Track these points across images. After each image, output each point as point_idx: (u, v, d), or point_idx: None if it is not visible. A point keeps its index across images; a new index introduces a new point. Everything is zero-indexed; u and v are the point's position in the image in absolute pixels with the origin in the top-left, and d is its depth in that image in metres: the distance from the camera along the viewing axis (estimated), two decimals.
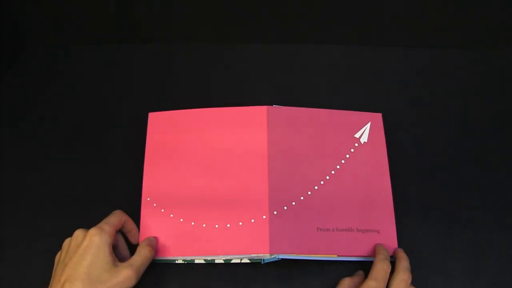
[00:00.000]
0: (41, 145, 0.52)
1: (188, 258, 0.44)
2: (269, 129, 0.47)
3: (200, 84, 0.57)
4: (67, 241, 0.40)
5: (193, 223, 0.44)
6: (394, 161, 0.47)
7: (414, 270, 0.41)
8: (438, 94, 0.56)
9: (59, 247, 0.41)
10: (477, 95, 0.56)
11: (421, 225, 0.46)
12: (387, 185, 0.46)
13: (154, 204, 0.45)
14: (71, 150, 0.52)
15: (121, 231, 0.43)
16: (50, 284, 0.38)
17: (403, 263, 0.41)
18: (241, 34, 0.60)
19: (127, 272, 0.38)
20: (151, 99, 0.55)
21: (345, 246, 0.43)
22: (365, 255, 0.43)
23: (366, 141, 0.48)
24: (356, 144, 0.47)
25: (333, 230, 0.44)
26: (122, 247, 0.43)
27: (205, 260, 0.44)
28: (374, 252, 0.43)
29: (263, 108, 0.48)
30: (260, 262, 0.43)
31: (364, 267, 0.43)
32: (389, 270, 0.40)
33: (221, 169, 0.46)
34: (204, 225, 0.44)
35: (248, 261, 0.43)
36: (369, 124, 0.48)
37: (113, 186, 0.49)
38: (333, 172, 0.46)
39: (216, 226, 0.44)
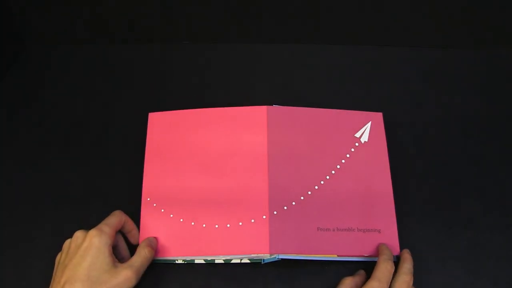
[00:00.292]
0: (41, 145, 0.52)
1: (188, 258, 0.44)
2: (269, 129, 0.47)
3: (200, 84, 0.57)
4: (67, 242, 0.40)
5: (193, 223, 0.44)
6: (394, 161, 0.47)
7: (414, 270, 0.41)
8: (438, 94, 0.56)
9: (59, 247, 0.41)
10: (477, 95, 0.56)
11: (421, 225, 0.46)
12: (388, 184, 0.46)
13: (154, 204, 0.45)
14: (71, 150, 0.52)
15: (121, 232, 0.43)
16: (50, 285, 0.38)
17: (407, 265, 0.41)
18: (241, 34, 0.60)
19: (127, 273, 0.38)
20: (151, 99, 0.55)
21: (345, 246, 0.43)
22: (366, 254, 0.43)
23: (366, 140, 0.48)
24: (357, 144, 0.47)
25: (334, 230, 0.44)
26: (122, 248, 0.43)
27: (205, 260, 0.44)
28: (375, 252, 0.43)
29: (263, 108, 0.48)
30: (260, 262, 0.43)
31: (364, 267, 0.43)
32: (392, 271, 0.40)
33: (221, 169, 0.46)
34: (204, 225, 0.44)
35: (248, 261, 0.43)
36: (369, 124, 0.48)
37: (113, 186, 0.49)
38: (333, 171, 0.46)
39: (216, 226, 0.44)
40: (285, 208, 0.44)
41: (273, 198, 0.44)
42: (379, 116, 0.49)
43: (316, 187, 0.45)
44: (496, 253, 0.45)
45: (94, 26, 0.60)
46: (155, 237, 0.43)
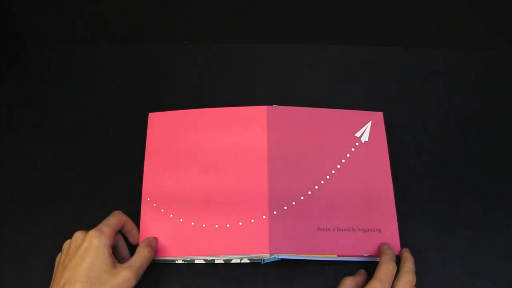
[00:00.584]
0: (41, 145, 0.52)
1: (188, 258, 0.44)
2: (269, 129, 0.47)
3: (200, 84, 0.57)
4: (67, 243, 0.40)
5: (193, 223, 0.44)
6: (394, 161, 0.47)
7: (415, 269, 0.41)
8: (438, 94, 0.56)
9: (59, 247, 0.41)
10: (477, 95, 0.56)
11: (421, 225, 0.46)
12: (389, 184, 0.46)
13: (154, 204, 0.45)
14: (71, 150, 0.52)
15: (121, 232, 0.43)
16: (50, 286, 0.38)
17: (408, 264, 0.40)
18: (241, 34, 0.60)
19: (127, 273, 0.38)
20: (151, 99, 0.56)
21: (346, 246, 0.43)
22: (366, 254, 0.43)
23: (367, 140, 0.48)
24: (357, 143, 0.47)
25: (334, 230, 0.43)
26: (122, 248, 0.43)
27: (205, 260, 0.44)
28: (376, 252, 0.43)
29: (263, 108, 0.48)
30: (260, 262, 0.43)
31: (364, 266, 0.43)
32: (394, 271, 0.39)
33: (221, 169, 0.46)
34: (204, 225, 0.44)
35: (248, 261, 0.43)
36: (369, 123, 0.48)
37: (113, 186, 0.49)
38: (333, 171, 0.46)
39: (216, 226, 0.43)
40: (285, 208, 0.44)
41: (273, 198, 0.44)
42: (379, 115, 0.49)
43: (316, 187, 0.45)
44: (496, 253, 0.45)
45: (94, 26, 0.60)
46: (155, 237, 0.43)
